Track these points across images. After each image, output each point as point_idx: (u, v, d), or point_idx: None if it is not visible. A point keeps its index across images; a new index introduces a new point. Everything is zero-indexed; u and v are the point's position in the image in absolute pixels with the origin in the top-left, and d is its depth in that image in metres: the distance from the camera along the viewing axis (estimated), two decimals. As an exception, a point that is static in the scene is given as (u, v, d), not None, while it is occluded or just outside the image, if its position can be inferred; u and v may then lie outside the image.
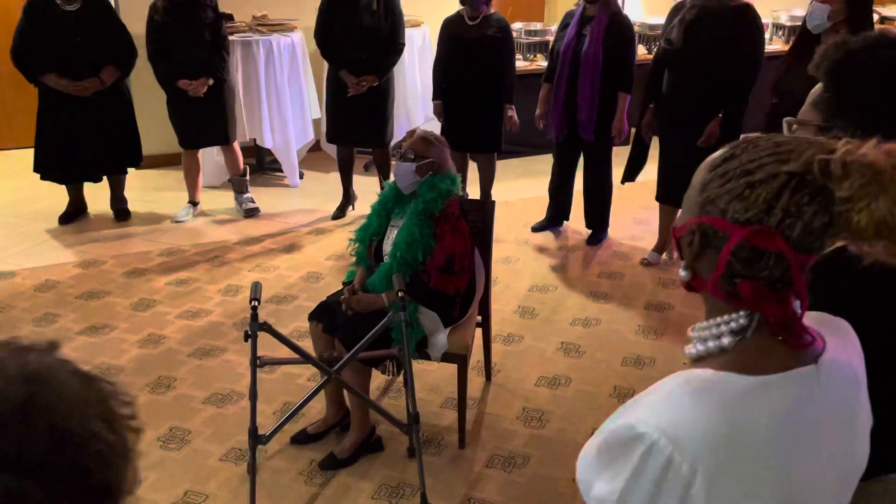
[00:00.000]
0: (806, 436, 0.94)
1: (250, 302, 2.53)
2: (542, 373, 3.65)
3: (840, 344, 1.03)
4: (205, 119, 5.11)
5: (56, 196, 5.38)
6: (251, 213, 5.42)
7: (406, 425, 2.70)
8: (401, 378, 2.74)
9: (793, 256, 0.89)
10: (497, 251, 4.69)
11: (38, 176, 5.12)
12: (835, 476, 1.01)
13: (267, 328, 2.55)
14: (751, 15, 4.17)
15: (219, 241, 5.06)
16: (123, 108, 5.08)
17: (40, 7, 4.68)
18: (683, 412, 0.90)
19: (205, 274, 4.59)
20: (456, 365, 3.05)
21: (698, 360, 0.99)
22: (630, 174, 4.72)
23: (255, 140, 5.93)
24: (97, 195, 5.40)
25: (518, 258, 4.86)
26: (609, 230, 5.14)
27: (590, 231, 5.09)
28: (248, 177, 5.55)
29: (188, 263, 4.72)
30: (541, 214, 5.31)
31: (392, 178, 3.03)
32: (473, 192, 5.36)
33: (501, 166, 5.54)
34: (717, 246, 0.94)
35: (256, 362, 2.54)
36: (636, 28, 5.49)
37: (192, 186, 5.43)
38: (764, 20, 4.62)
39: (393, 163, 3.08)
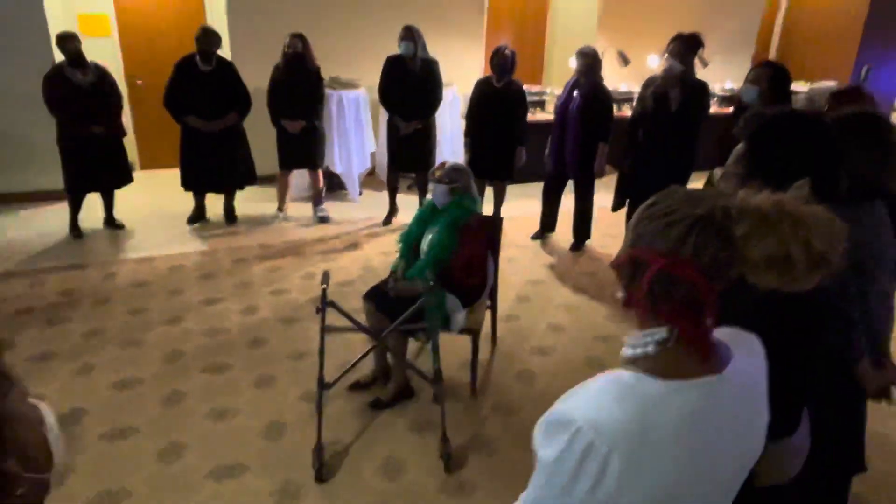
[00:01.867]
0: (706, 433, 0.90)
1: (321, 285, 2.59)
2: (534, 344, 3.68)
3: (745, 356, 0.99)
4: (300, 149, 5.18)
5: (184, 204, 5.47)
6: (324, 220, 5.47)
7: (432, 380, 2.73)
8: (429, 345, 2.76)
9: (703, 283, 0.87)
10: (503, 253, 4.72)
11: (175, 189, 5.24)
12: (731, 464, 0.98)
13: (332, 305, 2.60)
14: (699, 86, 4.15)
15: (299, 239, 5.13)
16: (241, 141, 5.16)
17: (185, 67, 4.79)
18: (608, 407, 0.87)
19: (289, 263, 4.66)
20: (471, 336, 3.08)
21: (629, 362, 0.95)
22: (618, 204, 4.68)
23: (327, 166, 5.97)
24: (212, 203, 5.49)
25: (519, 259, 4.88)
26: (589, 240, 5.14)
27: (574, 240, 5.08)
28: (324, 193, 5.61)
29: (277, 255, 4.80)
30: (537, 227, 5.31)
31: (429, 196, 3.06)
32: (488, 209, 5.37)
33: (512, 190, 5.55)
34: (643, 272, 0.91)
35: (325, 329, 2.60)
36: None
37: (281, 198, 5.52)
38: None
39: (430, 185, 3.10)
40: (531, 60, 7.91)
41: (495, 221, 3.35)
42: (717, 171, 1.56)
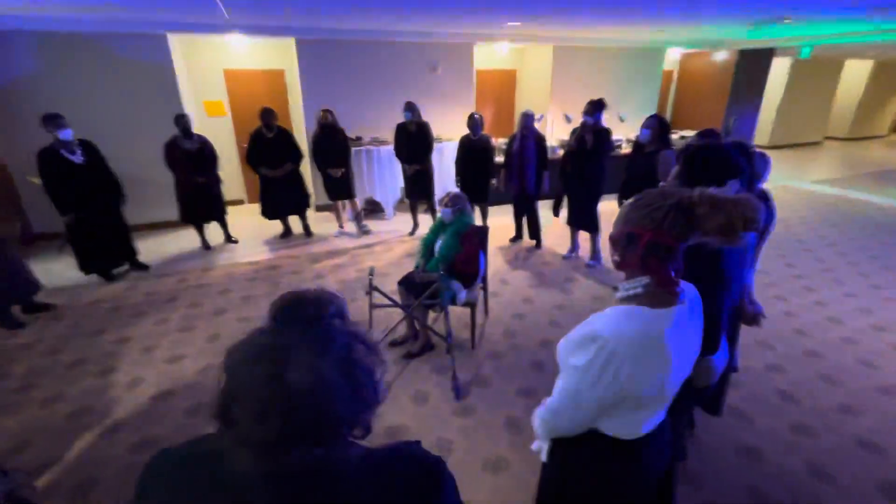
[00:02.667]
0: (679, 341, 0.97)
1: (368, 275, 2.59)
2: (512, 312, 3.63)
3: (691, 295, 1.04)
4: (339, 186, 5.13)
5: (277, 226, 5.48)
6: (366, 233, 5.43)
7: (445, 337, 2.72)
8: (443, 314, 2.75)
9: (675, 244, 0.94)
10: (490, 250, 4.70)
11: (262, 217, 5.19)
12: (687, 363, 1.03)
13: (376, 289, 2.59)
14: (605, 131, 4.09)
15: (354, 246, 5.10)
16: (298, 180, 5.08)
17: (257, 137, 4.74)
18: (622, 323, 0.94)
19: (348, 261, 4.64)
20: (470, 308, 3.05)
21: (622, 300, 1.00)
22: (556, 212, 4.64)
23: (371, 195, 5.96)
24: (295, 225, 5.48)
25: (501, 254, 4.83)
26: (543, 242, 5.06)
27: (534, 242, 5.02)
28: (362, 213, 5.56)
29: (339, 256, 4.78)
30: (513, 234, 5.24)
31: (438, 214, 3.03)
32: (479, 222, 5.35)
33: (493, 209, 5.51)
34: (635, 242, 0.96)
35: (372, 306, 2.59)
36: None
37: (338, 218, 5.48)
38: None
39: (438, 208, 3.07)
40: (506, 119, 7.86)
41: (484, 230, 3.33)
42: (661, 186, 1.57)
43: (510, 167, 4.71)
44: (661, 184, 1.75)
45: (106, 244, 4.15)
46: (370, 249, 4.97)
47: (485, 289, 3.51)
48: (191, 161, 4.53)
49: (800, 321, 3.47)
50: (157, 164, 4.68)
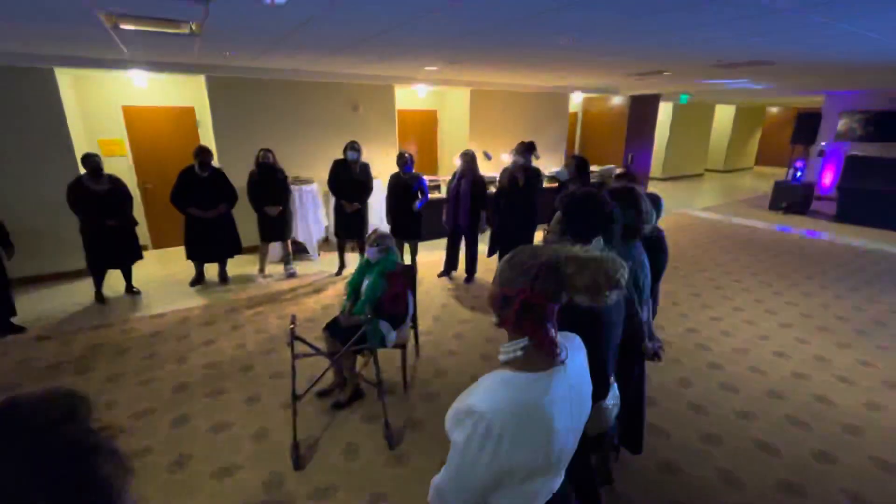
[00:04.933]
0: (560, 404, 0.93)
1: (290, 325, 2.44)
2: (444, 349, 3.61)
3: (574, 349, 1.03)
4: (275, 226, 4.94)
5: (186, 273, 5.05)
6: (292, 276, 5.20)
7: (375, 383, 2.62)
8: (372, 359, 2.66)
9: (549, 306, 0.93)
10: (421, 288, 4.70)
11: (179, 262, 4.80)
12: (576, 422, 1.00)
13: (298, 338, 2.45)
14: (535, 171, 4.40)
15: (275, 291, 4.82)
16: (230, 224, 4.83)
17: (187, 174, 4.47)
18: (497, 395, 0.89)
19: (268, 309, 4.35)
20: (400, 349, 3.00)
21: (504, 364, 0.97)
22: (492, 251, 4.78)
23: (294, 236, 5.73)
24: (208, 269, 5.09)
25: (432, 290, 4.83)
26: (475, 276, 5.16)
27: (466, 275, 5.11)
28: (291, 256, 5.36)
29: (259, 304, 4.48)
30: (442, 267, 5.31)
31: (367, 254, 2.99)
32: (408, 258, 5.34)
33: (421, 245, 5.55)
34: (510, 303, 0.94)
35: (294, 357, 2.44)
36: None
37: (262, 262, 5.20)
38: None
39: (367, 248, 3.03)
40: (428, 157, 8.09)
41: (412, 268, 3.32)
42: (543, 228, 1.60)
43: (449, 203, 4.87)
44: (545, 227, 1.78)
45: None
46: (294, 293, 4.73)
47: (415, 328, 3.47)
48: (99, 203, 4.11)
49: (701, 336, 3.85)
50: (38, 208, 4.14)
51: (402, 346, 2.96)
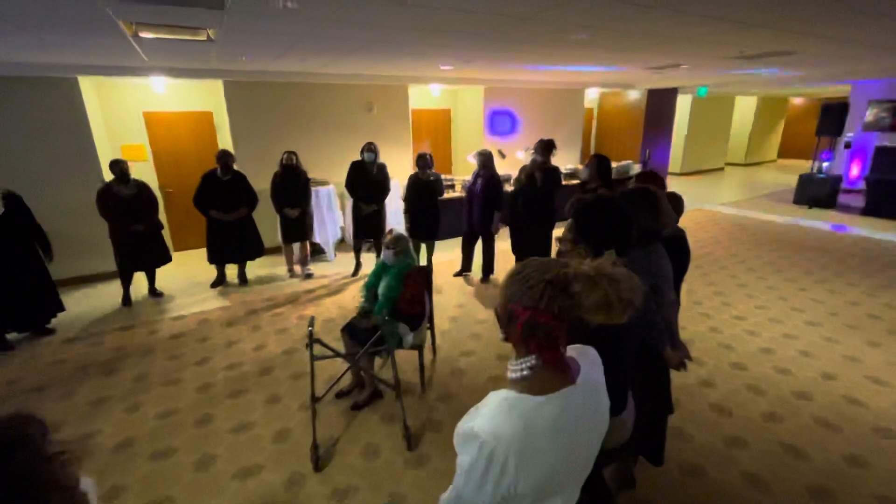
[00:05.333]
0: (571, 427, 0.89)
1: (308, 327, 2.46)
2: (462, 349, 3.60)
3: (588, 364, 0.99)
4: (295, 227, 5.02)
5: (208, 275, 5.15)
6: (309, 276, 5.25)
7: (393, 385, 2.63)
8: (390, 360, 2.67)
9: (555, 324, 0.88)
10: (437, 288, 4.70)
11: (201, 264, 4.92)
12: (590, 442, 0.96)
13: (317, 341, 2.47)
14: (554, 169, 4.35)
15: (294, 292, 4.87)
16: (251, 226, 4.91)
17: (210, 179, 4.57)
18: (500, 420, 0.85)
19: (288, 310, 4.41)
20: (418, 350, 2.99)
21: (513, 383, 0.93)
22: (515, 249, 4.76)
23: (313, 238, 5.79)
24: (229, 271, 5.18)
25: (449, 291, 4.83)
26: (491, 275, 5.13)
27: (483, 274, 5.09)
28: (309, 256, 5.43)
29: (279, 305, 4.54)
30: (458, 267, 5.30)
31: (382, 256, 3.00)
32: (425, 259, 5.36)
33: (442, 244, 5.56)
34: (516, 320, 0.90)
35: (313, 358, 2.47)
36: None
37: (289, 262, 5.30)
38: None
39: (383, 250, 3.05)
40: (443, 157, 8.08)
41: (428, 269, 3.33)
42: (556, 238, 1.53)
43: (466, 203, 4.88)
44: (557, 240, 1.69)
45: (27, 302, 3.81)
46: (312, 295, 4.78)
47: (431, 329, 3.47)
48: (127, 208, 4.23)
49: (724, 336, 3.76)
50: (65, 214, 4.26)
51: (419, 347, 2.96)
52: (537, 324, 0.87)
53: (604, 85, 8.57)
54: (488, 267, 5.06)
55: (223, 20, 2.75)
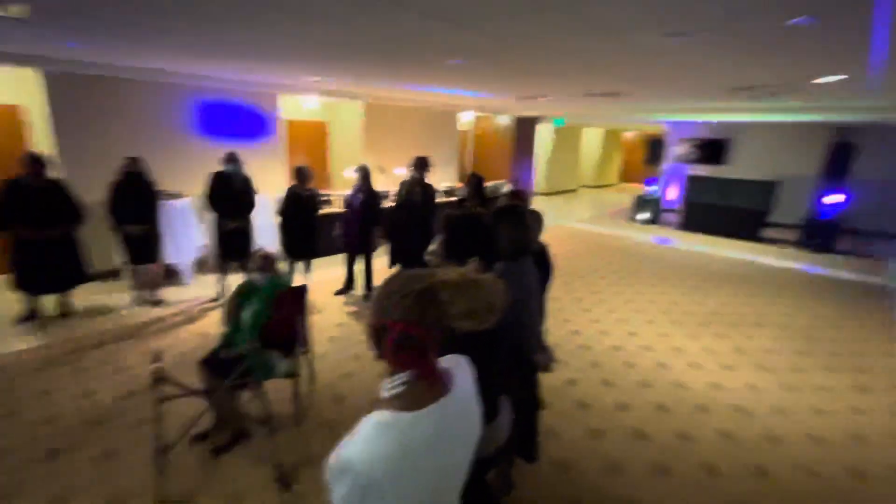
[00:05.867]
0: (447, 440, 0.89)
1: (152, 363, 2.09)
2: (342, 372, 3.43)
3: (461, 374, 1.00)
4: (144, 247, 4.31)
5: (10, 306, 4.10)
6: (158, 304, 4.53)
7: (263, 420, 2.37)
8: (258, 393, 2.41)
9: (427, 335, 0.87)
10: (317, 308, 4.44)
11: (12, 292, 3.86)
12: (466, 451, 0.97)
13: (165, 379, 2.11)
14: (431, 187, 4.47)
15: (138, 323, 4.14)
16: (74, 246, 4.03)
17: (15, 187, 3.66)
18: (374, 446, 0.82)
19: (129, 346, 3.71)
20: (292, 378, 2.76)
21: (386, 401, 0.90)
22: (392, 263, 4.68)
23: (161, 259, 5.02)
24: (47, 300, 4.21)
25: (326, 310, 4.59)
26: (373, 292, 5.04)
27: (365, 291, 4.96)
28: (158, 280, 4.69)
29: (117, 340, 3.79)
30: (338, 285, 5.09)
31: (249, 279, 2.72)
32: (303, 278, 5.03)
33: (315, 263, 5.27)
34: (386, 335, 0.88)
35: (160, 400, 2.10)
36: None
37: (135, 288, 4.49)
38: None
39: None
40: (320, 171, 7.77)
41: (303, 289, 3.11)
42: (427, 252, 1.58)
43: (344, 219, 4.71)
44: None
45: None
46: (162, 325, 4.12)
47: (308, 353, 3.24)
48: None
49: (583, 337, 4.23)
50: None
51: (293, 374, 2.73)
52: (409, 336, 0.86)
53: (478, 109, 9.19)
54: (369, 283, 4.97)
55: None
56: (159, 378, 2.06)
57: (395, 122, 7.84)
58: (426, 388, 0.89)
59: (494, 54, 3.30)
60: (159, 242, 4.47)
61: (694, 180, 10.09)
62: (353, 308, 4.69)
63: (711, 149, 10.94)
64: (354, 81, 5.30)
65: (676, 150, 11.48)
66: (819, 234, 8.05)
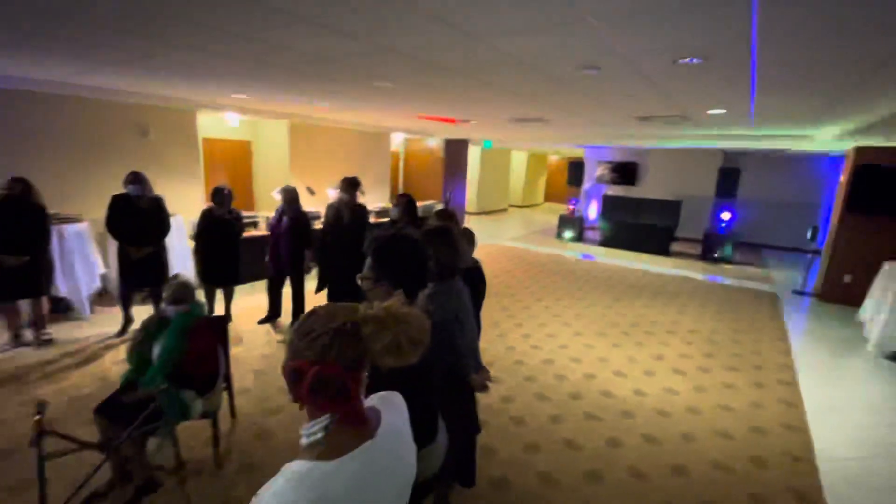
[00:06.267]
0: (374, 485, 0.83)
1: (35, 416, 1.80)
2: (267, 406, 3.20)
3: (392, 411, 0.95)
4: (25, 280, 3.74)
5: None
6: (47, 342, 3.95)
7: (174, 469, 2.12)
8: (169, 437, 2.15)
9: (347, 376, 0.83)
10: (236, 339, 4.13)
11: None
12: (399, 488, 0.91)
13: (49, 433, 1.82)
14: (362, 207, 4.38)
15: (21, 365, 3.57)
16: None
17: None
18: (288, 500, 0.75)
19: (5, 392, 3.19)
20: (210, 418, 2.52)
21: (305, 449, 0.84)
22: (320, 288, 4.50)
23: (57, 291, 4.41)
24: None
25: (252, 340, 4.29)
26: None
27: (293, 318, 4.71)
28: (46, 317, 4.10)
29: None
30: (262, 313, 4.79)
31: (162, 310, 2.47)
32: (221, 308, 4.67)
33: (240, 290, 4.93)
34: (302, 378, 0.82)
35: (43, 458, 1.81)
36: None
37: (12, 327, 3.87)
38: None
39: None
40: (243, 191, 7.38)
41: (223, 319, 2.88)
42: (358, 277, 1.51)
43: (270, 243, 4.47)
44: (358, 279, 1.70)
45: None
46: (51, 367, 3.60)
47: (229, 388, 2.99)
48: None
49: (516, 353, 4.33)
50: None
51: (211, 414, 2.49)
52: (326, 378, 0.81)
53: (408, 131, 9.29)
54: (299, 309, 4.73)
55: None
56: (42, 432, 1.77)
57: (324, 142, 7.69)
58: (349, 432, 0.84)
59: (421, 80, 3.37)
60: (45, 274, 3.91)
61: (609, 200, 10.93)
62: (279, 337, 4.44)
63: (625, 171, 11.96)
64: (273, 98, 5.14)
65: (595, 172, 12.40)
66: (717, 247, 9.04)
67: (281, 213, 4.48)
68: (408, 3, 1.83)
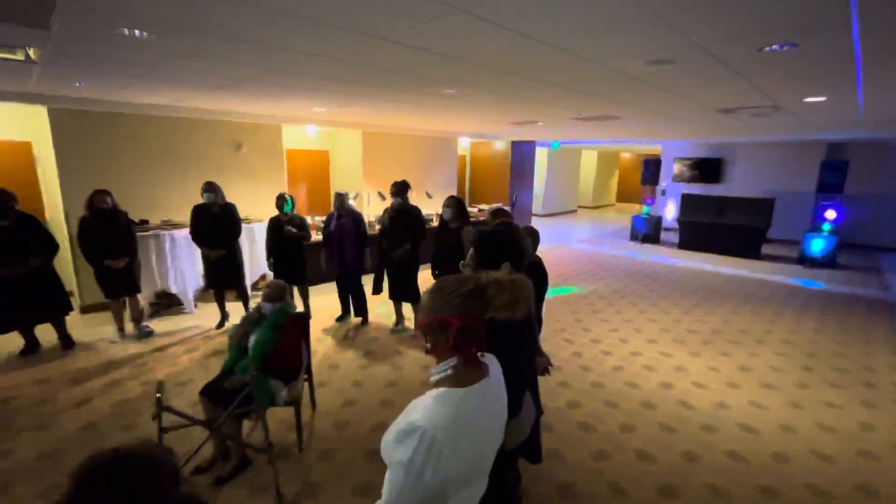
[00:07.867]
0: (489, 413, 1.07)
1: (156, 393, 2.11)
2: (343, 399, 3.42)
3: (493, 364, 1.16)
4: (123, 280, 4.26)
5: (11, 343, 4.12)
6: (148, 335, 4.49)
7: (264, 449, 2.36)
8: (260, 421, 2.40)
9: (477, 324, 1.06)
10: (317, 335, 4.45)
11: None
12: (497, 431, 1.12)
13: (167, 409, 2.12)
14: (416, 209, 4.52)
15: (135, 353, 4.15)
16: (50, 278, 4.01)
17: None
18: (433, 411, 0.98)
19: (127, 374, 3.72)
20: (293, 406, 2.75)
21: (436, 384, 1.06)
22: (377, 289, 4.71)
23: (163, 288, 5.06)
24: (47, 333, 4.22)
25: (328, 337, 4.60)
26: (369, 318, 5.04)
27: (360, 319, 4.97)
28: (145, 312, 4.71)
29: (115, 368, 3.81)
30: (335, 311, 5.10)
31: (253, 305, 2.76)
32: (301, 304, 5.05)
33: (313, 290, 5.30)
34: (444, 328, 1.05)
35: (162, 430, 2.11)
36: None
37: (118, 321, 4.44)
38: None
39: (252, 293, 2.79)
40: (321, 198, 7.90)
41: (305, 316, 3.13)
42: (462, 264, 1.85)
43: (329, 246, 4.69)
44: (461, 266, 2.03)
45: None
46: (163, 354, 4.13)
47: (310, 381, 3.24)
48: None
49: (584, 358, 4.21)
50: None
51: (295, 402, 2.73)
52: (469, 328, 1.04)
53: (473, 135, 9.38)
54: (362, 309, 4.96)
55: (48, 43, 2.39)
56: (162, 408, 2.07)
57: (393, 149, 8.01)
58: (471, 370, 1.06)
59: (486, 84, 3.42)
60: (137, 274, 4.40)
61: (688, 199, 10.18)
62: (351, 336, 4.69)
63: (706, 167, 11.09)
64: (354, 111, 5.46)
65: (672, 169, 11.63)
66: (819, 250, 8.07)
67: (331, 218, 4.67)
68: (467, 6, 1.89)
